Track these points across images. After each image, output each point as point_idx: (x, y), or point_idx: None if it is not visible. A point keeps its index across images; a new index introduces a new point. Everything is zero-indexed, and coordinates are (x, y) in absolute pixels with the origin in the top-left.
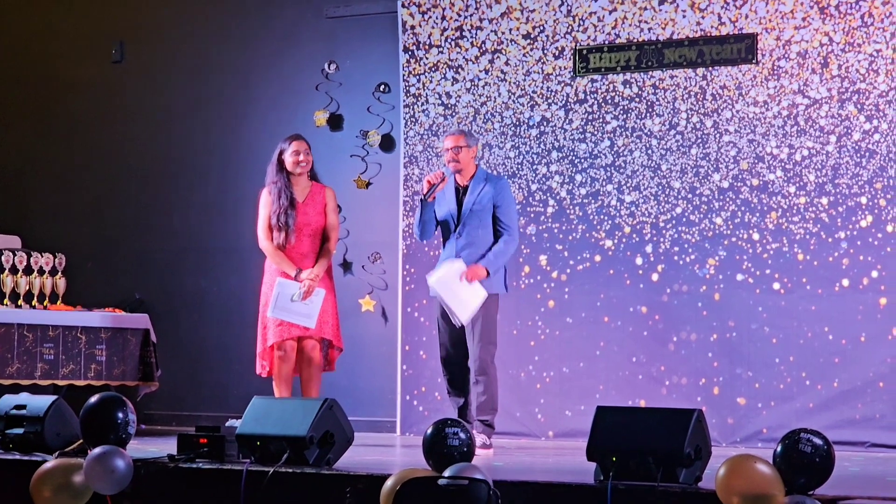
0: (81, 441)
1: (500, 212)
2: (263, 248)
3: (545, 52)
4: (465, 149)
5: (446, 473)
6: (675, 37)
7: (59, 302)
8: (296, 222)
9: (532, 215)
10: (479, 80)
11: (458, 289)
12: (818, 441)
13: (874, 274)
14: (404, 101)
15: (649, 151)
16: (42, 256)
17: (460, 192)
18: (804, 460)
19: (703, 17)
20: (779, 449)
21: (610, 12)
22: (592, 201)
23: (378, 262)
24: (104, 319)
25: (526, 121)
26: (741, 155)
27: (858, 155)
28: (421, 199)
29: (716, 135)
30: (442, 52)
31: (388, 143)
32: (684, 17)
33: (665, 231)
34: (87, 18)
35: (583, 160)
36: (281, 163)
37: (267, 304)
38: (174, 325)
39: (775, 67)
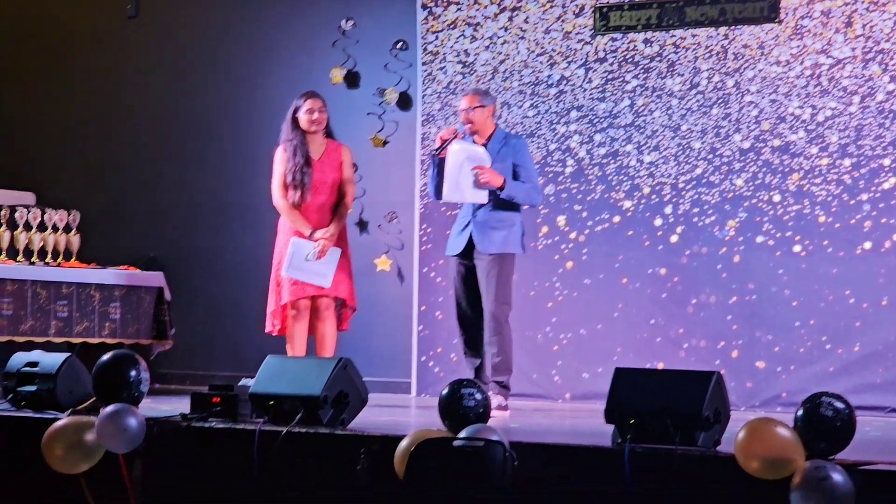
0: (94, 399)
1: (520, 170)
2: (278, 207)
3: (565, 9)
4: (480, 109)
5: (462, 434)
6: None
7: (73, 259)
8: (311, 180)
9: (550, 175)
10: (498, 37)
11: (465, 173)
12: (840, 405)
13: None
14: (422, 58)
15: (669, 111)
16: (56, 213)
17: None
18: (825, 424)
19: None
20: (800, 413)
21: None
22: (612, 161)
23: (394, 222)
24: (118, 277)
25: (545, 79)
26: (763, 115)
27: (882, 116)
28: (433, 155)
29: (737, 95)
30: (461, 10)
31: (405, 102)
32: None
33: (685, 192)
34: None
35: (602, 120)
36: (296, 120)
37: (280, 262)
38: (188, 282)
39: (798, 26)
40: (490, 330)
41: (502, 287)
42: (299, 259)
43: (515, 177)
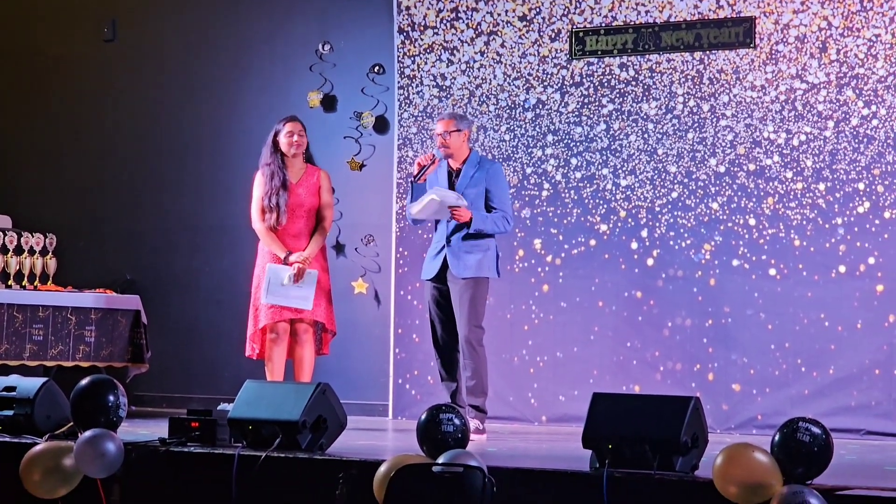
0: (72, 424)
1: (492, 196)
2: (256, 230)
3: (541, 34)
4: (455, 133)
5: (440, 460)
6: (672, 20)
7: (49, 282)
8: (288, 203)
9: (527, 199)
10: (475, 62)
11: (442, 211)
12: (816, 430)
13: (871, 260)
14: (399, 82)
15: (645, 135)
16: (33, 237)
17: (453, 176)
18: (802, 449)
19: (700, 1)
20: (777, 438)
21: None
22: (588, 185)
23: (371, 245)
24: (95, 300)
25: (521, 103)
26: (738, 139)
27: (856, 140)
28: (411, 181)
29: (713, 119)
30: (437, 34)
31: (382, 125)
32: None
33: (661, 216)
34: None
35: (578, 143)
36: (276, 144)
37: (259, 286)
38: (165, 305)
39: (773, 52)
40: (464, 353)
41: (475, 311)
42: (276, 284)
43: (488, 201)
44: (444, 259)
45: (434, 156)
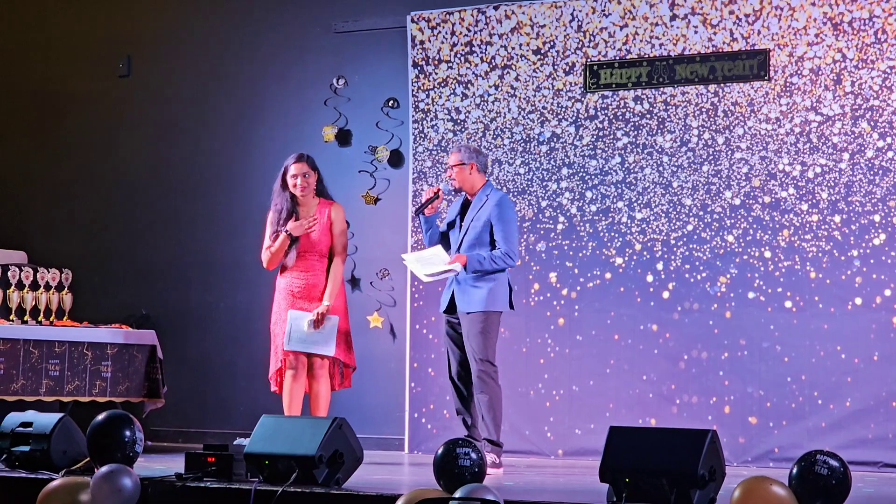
0: (88, 459)
1: (495, 230)
2: (262, 260)
3: (555, 67)
4: (459, 167)
5: (457, 494)
6: (686, 53)
7: (65, 318)
8: (298, 245)
9: (542, 232)
10: (489, 95)
11: (434, 266)
12: (834, 463)
13: (887, 292)
14: (413, 116)
15: (660, 168)
16: (49, 272)
17: (465, 207)
18: (820, 482)
19: (714, 34)
20: (794, 471)
21: (621, 28)
22: (603, 218)
23: (386, 279)
24: (111, 335)
25: (536, 137)
26: (753, 172)
27: (872, 172)
28: (414, 213)
29: (727, 152)
30: (451, 68)
31: (396, 159)
32: (696, 32)
33: (676, 248)
34: (95, 32)
35: (593, 177)
36: (285, 181)
37: (278, 323)
38: (180, 340)
39: (788, 84)
40: (476, 388)
41: (484, 346)
42: (299, 332)
43: (491, 234)
44: (453, 293)
45: (440, 189)
